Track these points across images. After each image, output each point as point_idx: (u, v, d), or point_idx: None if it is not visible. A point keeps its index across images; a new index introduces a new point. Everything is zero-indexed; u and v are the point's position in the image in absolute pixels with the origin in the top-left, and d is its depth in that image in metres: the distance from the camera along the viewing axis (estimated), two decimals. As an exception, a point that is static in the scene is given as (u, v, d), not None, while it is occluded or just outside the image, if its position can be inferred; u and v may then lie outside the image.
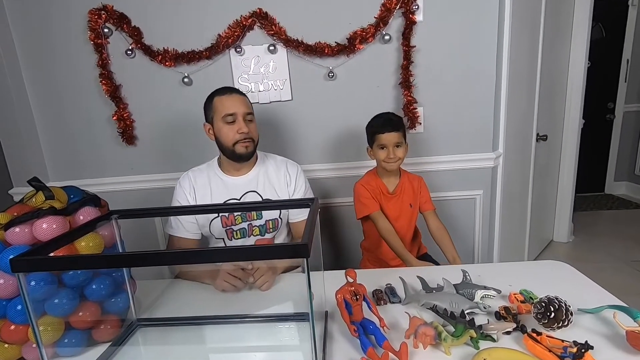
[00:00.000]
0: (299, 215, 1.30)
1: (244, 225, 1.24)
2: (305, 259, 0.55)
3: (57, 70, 1.63)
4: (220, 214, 1.22)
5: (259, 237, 1.26)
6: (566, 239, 2.67)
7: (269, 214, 1.25)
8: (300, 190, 1.31)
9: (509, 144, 1.77)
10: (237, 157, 1.22)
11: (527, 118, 2.02)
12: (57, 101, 1.67)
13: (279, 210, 1.26)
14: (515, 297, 0.87)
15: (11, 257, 0.59)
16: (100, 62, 1.57)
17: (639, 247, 2.50)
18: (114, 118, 1.62)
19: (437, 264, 1.40)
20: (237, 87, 1.23)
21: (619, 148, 3.55)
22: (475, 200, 1.72)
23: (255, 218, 1.25)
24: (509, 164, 1.83)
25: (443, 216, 1.74)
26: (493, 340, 0.74)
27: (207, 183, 1.26)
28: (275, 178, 1.29)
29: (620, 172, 3.61)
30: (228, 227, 1.24)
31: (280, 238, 1.31)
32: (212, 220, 1.23)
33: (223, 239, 1.26)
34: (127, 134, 1.64)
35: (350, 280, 0.80)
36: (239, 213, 1.23)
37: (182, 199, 1.26)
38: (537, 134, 2.14)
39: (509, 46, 1.64)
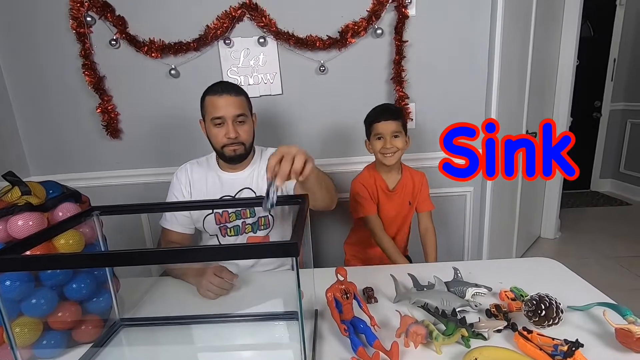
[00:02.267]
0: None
1: (238, 222, 1.21)
2: (294, 258, 0.53)
3: (38, 60, 1.57)
4: (214, 211, 1.19)
5: (252, 234, 1.23)
6: (553, 235, 2.71)
7: (261, 212, 1.22)
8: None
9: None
10: (226, 159, 1.19)
11: (517, 114, 2.03)
12: (38, 92, 1.61)
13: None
14: (505, 295, 0.87)
15: (-18, 256, 0.56)
16: (83, 52, 1.51)
17: (623, 244, 2.55)
18: (98, 111, 1.57)
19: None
20: (233, 83, 1.17)
21: (604, 146, 3.61)
22: (465, 197, 1.72)
23: (248, 216, 1.22)
24: (499, 161, 1.83)
25: (433, 213, 1.74)
26: (484, 338, 0.73)
27: (203, 178, 1.23)
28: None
29: (606, 170, 3.67)
30: (222, 225, 1.21)
31: (277, 236, 1.26)
32: (206, 216, 1.20)
33: (216, 235, 1.23)
34: (112, 127, 1.59)
35: (341, 278, 0.79)
36: (233, 210, 1.20)
37: (178, 192, 1.22)
38: (527, 131, 2.15)
39: (501, 43, 1.63)
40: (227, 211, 1.20)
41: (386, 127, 1.24)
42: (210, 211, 1.19)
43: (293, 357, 0.76)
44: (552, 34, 2.28)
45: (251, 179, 1.23)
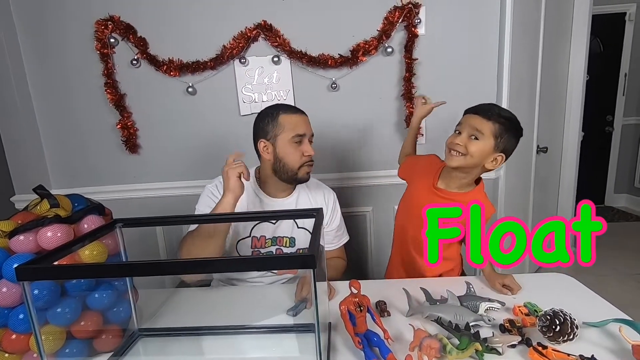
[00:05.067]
0: (329, 245, 1.27)
1: (272, 249, 1.19)
2: (312, 270, 0.55)
3: (63, 79, 1.65)
4: (252, 235, 1.17)
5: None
6: (567, 251, 2.66)
7: (301, 243, 1.20)
8: (335, 220, 1.28)
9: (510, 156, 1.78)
10: (296, 181, 1.17)
11: (527, 130, 2.02)
12: (62, 109, 1.68)
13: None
14: (519, 310, 0.87)
15: (16, 265, 0.59)
16: (105, 71, 1.58)
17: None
18: (118, 127, 1.63)
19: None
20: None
21: (618, 160, 3.57)
22: (477, 211, 1.72)
23: (287, 245, 1.20)
24: (511, 176, 1.83)
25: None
26: (498, 353, 0.73)
27: (244, 197, 1.12)
28: (310, 203, 1.24)
29: (620, 185, 3.62)
30: (255, 249, 1.17)
31: None
32: (240, 240, 1.17)
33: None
34: (131, 143, 1.65)
35: (355, 291, 0.80)
36: (270, 237, 1.18)
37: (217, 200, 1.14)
38: (538, 146, 2.15)
39: (510, 60, 1.65)
40: (265, 236, 1.17)
41: (470, 120, 0.99)
42: (248, 234, 1.16)
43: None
44: (561, 50, 2.30)
45: (294, 206, 1.21)
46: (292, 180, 1.17)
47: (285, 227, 1.19)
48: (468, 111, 1.03)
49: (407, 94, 1.57)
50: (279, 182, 1.18)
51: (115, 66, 1.61)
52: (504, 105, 1.70)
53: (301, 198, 1.23)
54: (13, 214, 0.81)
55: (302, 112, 1.17)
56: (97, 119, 1.67)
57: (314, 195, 1.26)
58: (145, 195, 1.73)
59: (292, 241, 1.20)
